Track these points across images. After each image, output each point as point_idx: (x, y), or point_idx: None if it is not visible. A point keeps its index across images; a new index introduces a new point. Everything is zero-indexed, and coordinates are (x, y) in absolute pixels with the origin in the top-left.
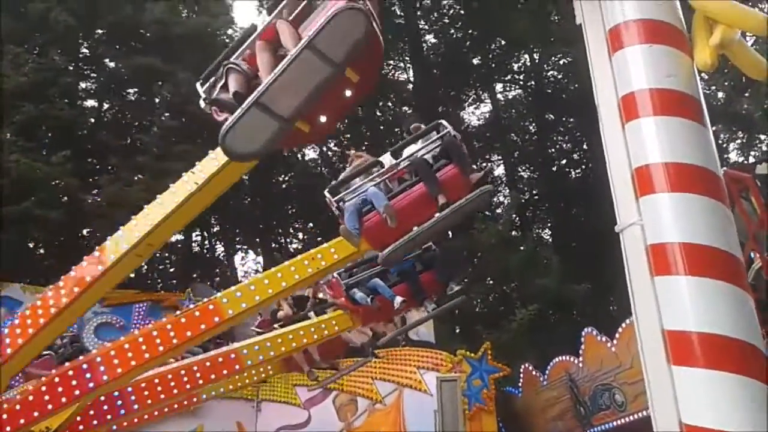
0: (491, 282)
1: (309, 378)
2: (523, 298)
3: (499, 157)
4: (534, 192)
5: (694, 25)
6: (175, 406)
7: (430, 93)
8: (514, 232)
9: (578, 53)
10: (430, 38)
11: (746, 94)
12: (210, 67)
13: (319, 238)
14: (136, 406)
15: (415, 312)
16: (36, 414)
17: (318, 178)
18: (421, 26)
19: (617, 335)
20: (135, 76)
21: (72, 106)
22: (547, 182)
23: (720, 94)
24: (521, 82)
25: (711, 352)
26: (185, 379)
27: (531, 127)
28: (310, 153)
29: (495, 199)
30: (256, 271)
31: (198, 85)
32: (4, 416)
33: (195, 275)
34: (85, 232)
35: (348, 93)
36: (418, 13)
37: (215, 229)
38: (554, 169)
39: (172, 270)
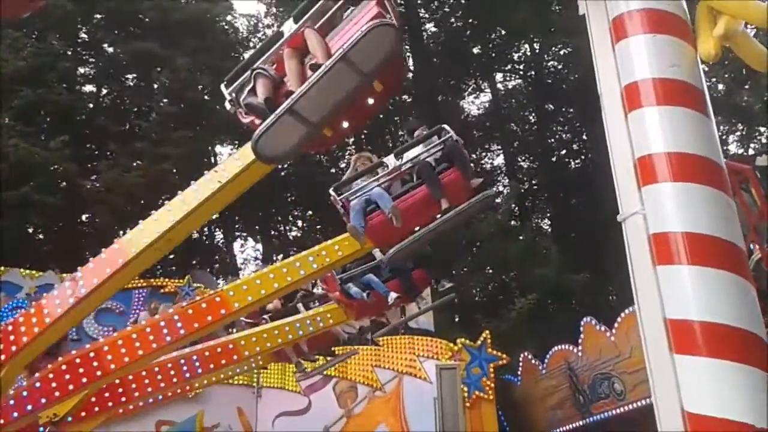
0: (490, 271)
1: (297, 369)
2: (523, 287)
3: (499, 147)
4: (533, 182)
5: (697, 15)
6: (178, 391)
7: (430, 82)
8: (513, 222)
9: (579, 43)
10: (430, 27)
11: (746, 86)
12: (235, 69)
13: (318, 226)
14: (137, 394)
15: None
16: (43, 401)
17: (317, 166)
18: (421, 15)
19: (616, 325)
20: (134, 62)
21: (70, 91)
22: (546, 172)
23: (720, 86)
24: (521, 72)
25: (713, 341)
26: (185, 368)
27: (531, 117)
28: None
29: (494, 189)
30: (255, 258)
31: (222, 86)
32: (12, 402)
33: (194, 262)
34: (83, 217)
35: (371, 101)
36: (419, 1)
37: (214, 216)
38: (554, 159)
39: (171, 256)
